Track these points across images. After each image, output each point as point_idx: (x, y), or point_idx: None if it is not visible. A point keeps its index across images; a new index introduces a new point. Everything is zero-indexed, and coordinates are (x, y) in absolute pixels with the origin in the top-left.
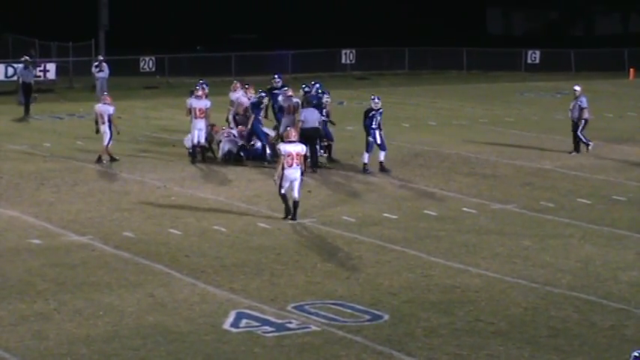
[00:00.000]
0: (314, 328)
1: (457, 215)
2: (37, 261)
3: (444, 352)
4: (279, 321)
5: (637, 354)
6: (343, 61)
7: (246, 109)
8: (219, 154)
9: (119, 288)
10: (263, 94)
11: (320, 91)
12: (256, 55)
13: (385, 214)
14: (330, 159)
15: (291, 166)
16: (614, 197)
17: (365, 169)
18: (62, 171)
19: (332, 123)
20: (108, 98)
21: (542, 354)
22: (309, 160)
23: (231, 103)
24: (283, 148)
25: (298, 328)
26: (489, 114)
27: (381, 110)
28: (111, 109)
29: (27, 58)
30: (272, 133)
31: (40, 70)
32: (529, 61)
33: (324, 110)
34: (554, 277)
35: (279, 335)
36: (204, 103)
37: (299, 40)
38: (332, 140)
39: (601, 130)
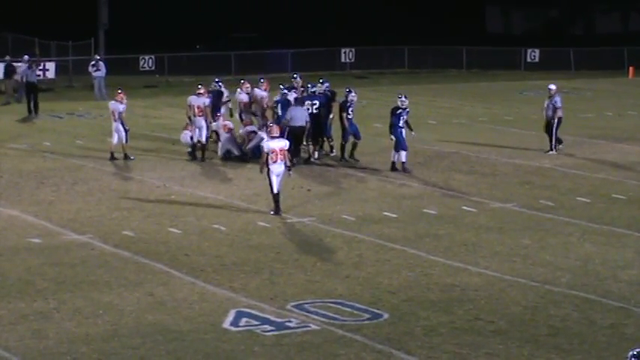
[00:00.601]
0: (313, 326)
1: (457, 214)
2: (36, 260)
3: (443, 351)
4: (279, 320)
5: (635, 353)
6: (343, 59)
7: (249, 105)
8: (219, 152)
9: (119, 287)
10: (285, 91)
11: (328, 89)
12: (256, 53)
13: (385, 213)
14: (344, 157)
15: (275, 162)
16: (614, 196)
17: (405, 169)
18: (62, 170)
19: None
20: (120, 95)
21: (541, 352)
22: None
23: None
24: (267, 145)
25: (298, 327)
26: (489, 113)
27: (407, 109)
28: (121, 107)
29: (8, 57)
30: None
31: (40, 69)
32: (528, 59)
33: (350, 109)
34: (553, 276)
35: (279, 334)
36: (203, 101)
37: (299, 38)
38: (346, 141)
39: (601, 129)
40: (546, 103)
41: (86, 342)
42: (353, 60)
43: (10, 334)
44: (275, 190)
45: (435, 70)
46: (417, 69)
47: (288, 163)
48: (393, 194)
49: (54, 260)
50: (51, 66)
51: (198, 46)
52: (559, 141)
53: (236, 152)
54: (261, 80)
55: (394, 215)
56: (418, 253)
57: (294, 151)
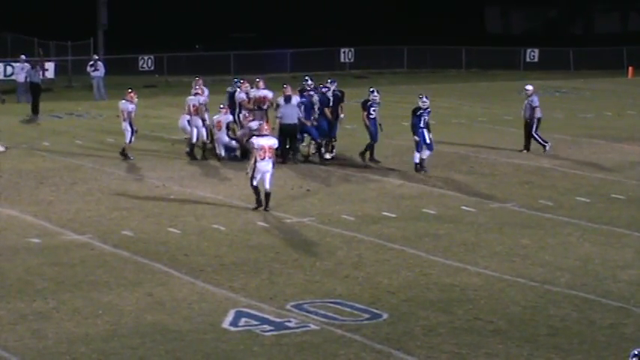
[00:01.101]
0: (313, 326)
1: (456, 214)
2: (36, 260)
3: (442, 351)
4: (278, 320)
5: (637, 352)
6: (342, 59)
7: (251, 105)
8: (217, 152)
9: (118, 287)
10: (312, 92)
11: (336, 89)
12: (255, 53)
13: (384, 213)
14: (372, 159)
15: (263, 159)
16: (613, 196)
17: (417, 169)
18: (61, 170)
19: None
20: (130, 95)
21: (541, 352)
22: (291, 152)
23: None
24: (256, 141)
25: (297, 327)
26: (488, 112)
27: (429, 110)
28: (130, 107)
29: None
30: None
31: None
32: (528, 59)
33: (372, 108)
34: (553, 276)
35: (278, 334)
36: (198, 100)
37: (298, 38)
38: (375, 141)
39: (600, 129)
40: (524, 103)
41: (85, 342)
42: (352, 60)
43: (9, 334)
44: (255, 184)
45: (434, 70)
46: (417, 69)
47: (275, 161)
48: (392, 194)
49: (53, 260)
50: (50, 66)
51: (197, 46)
52: (527, 145)
53: (235, 147)
54: (257, 80)
55: (393, 215)
56: (417, 253)
57: (286, 149)
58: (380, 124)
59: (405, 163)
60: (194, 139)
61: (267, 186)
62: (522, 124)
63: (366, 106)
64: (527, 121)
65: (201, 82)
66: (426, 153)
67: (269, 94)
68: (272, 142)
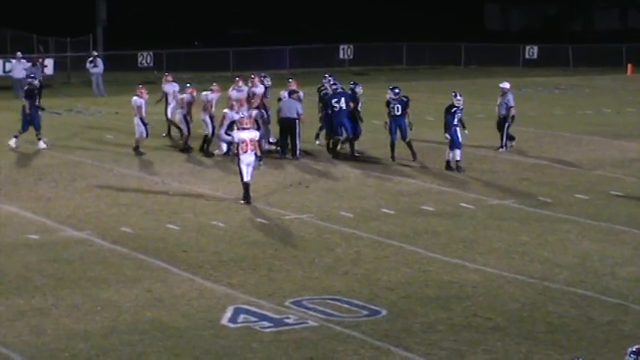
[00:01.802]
0: (312, 323)
1: (455, 211)
2: (35, 256)
3: (441, 348)
4: (277, 316)
5: (634, 349)
6: (341, 56)
7: (248, 102)
8: (217, 150)
9: (117, 283)
10: (352, 85)
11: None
12: (254, 50)
13: (383, 210)
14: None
15: (245, 151)
16: (612, 193)
17: (458, 168)
18: (60, 166)
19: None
20: (140, 90)
21: (539, 349)
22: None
23: (164, 95)
24: (237, 135)
25: (296, 324)
26: (487, 109)
27: (462, 107)
28: (139, 102)
29: None
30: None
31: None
32: (527, 56)
33: (391, 105)
34: (551, 273)
35: (277, 330)
36: (207, 97)
37: (297, 35)
38: (391, 140)
39: (599, 126)
40: (499, 101)
41: (84, 338)
42: (351, 56)
43: (8, 331)
44: (245, 179)
45: (433, 66)
46: (416, 65)
47: (259, 153)
48: (391, 191)
49: (52, 257)
50: (49, 62)
51: (196, 43)
52: (511, 138)
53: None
54: (252, 76)
55: (392, 212)
56: (416, 250)
57: (285, 144)
58: (410, 122)
59: (404, 160)
60: (207, 132)
61: (248, 178)
62: (523, 121)
63: (387, 105)
64: (500, 118)
65: (170, 77)
66: (457, 152)
67: (256, 90)
68: (253, 134)
